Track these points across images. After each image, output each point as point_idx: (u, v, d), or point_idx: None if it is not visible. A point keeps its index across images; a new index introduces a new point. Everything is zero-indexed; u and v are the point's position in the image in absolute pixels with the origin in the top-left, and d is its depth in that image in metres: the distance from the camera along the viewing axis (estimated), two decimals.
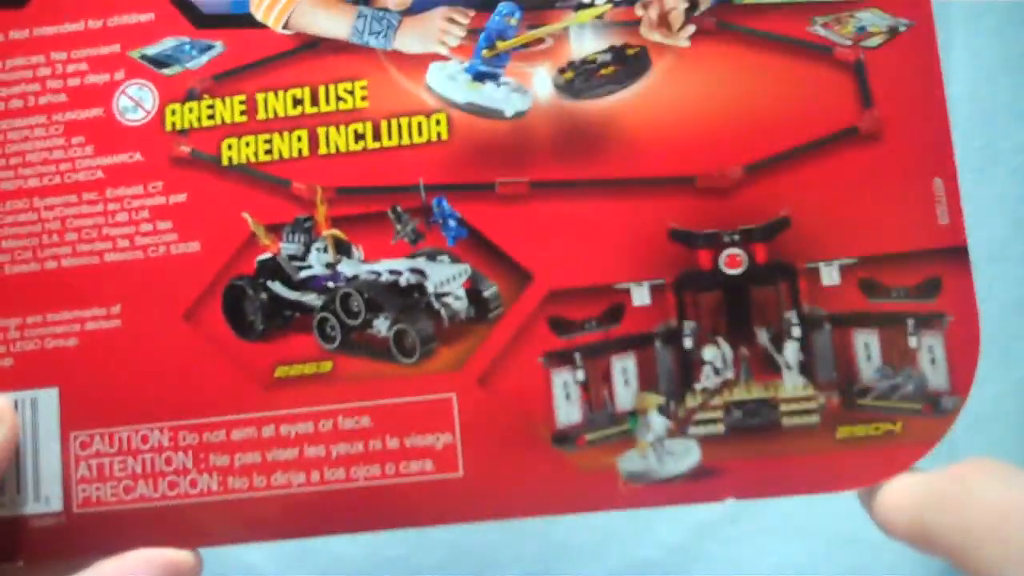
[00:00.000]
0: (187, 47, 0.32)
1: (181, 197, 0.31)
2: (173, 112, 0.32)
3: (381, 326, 0.30)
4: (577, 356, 0.29)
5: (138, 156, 0.32)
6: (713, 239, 0.29)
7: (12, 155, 0.33)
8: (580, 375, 0.29)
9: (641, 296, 0.29)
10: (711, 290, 0.29)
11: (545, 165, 0.30)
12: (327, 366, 0.30)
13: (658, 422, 0.28)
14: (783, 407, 0.28)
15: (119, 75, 0.32)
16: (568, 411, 0.29)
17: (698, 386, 0.28)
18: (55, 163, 0.32)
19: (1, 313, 0.32)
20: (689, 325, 0.28)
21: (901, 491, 0.27)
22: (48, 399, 0.31)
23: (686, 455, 0.28)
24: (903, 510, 0.27)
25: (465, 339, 0.30)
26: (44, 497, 0.30)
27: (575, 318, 0.29)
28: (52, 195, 0.32)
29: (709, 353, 0.28)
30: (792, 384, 0.28)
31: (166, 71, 0.32)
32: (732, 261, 0.28)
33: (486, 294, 0.29)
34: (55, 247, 0.32)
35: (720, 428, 0.28)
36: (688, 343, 0.28)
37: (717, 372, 0.28)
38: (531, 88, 0.31)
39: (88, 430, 0.31)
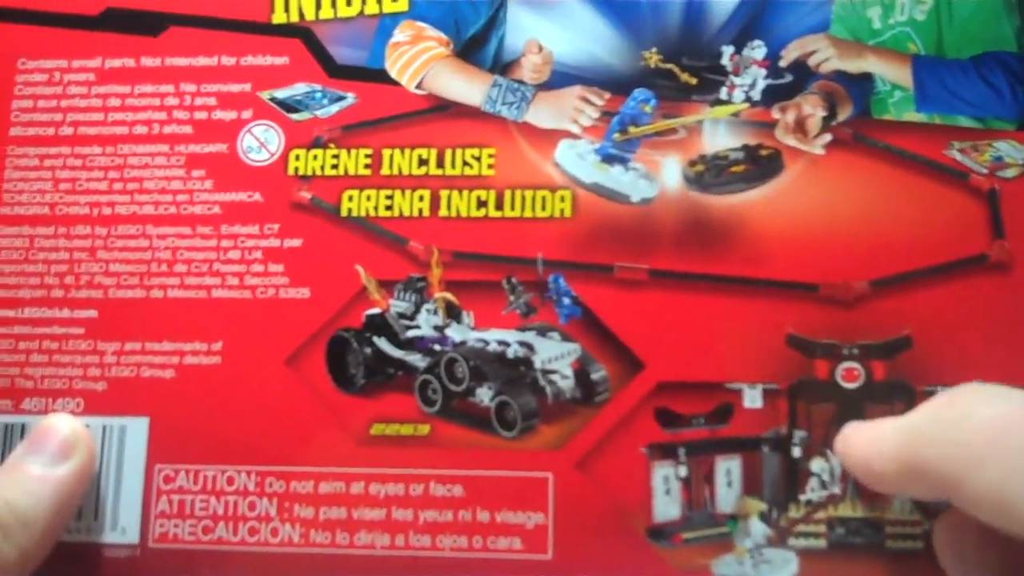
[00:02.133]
0: (318, 95, 0.36)
1: (296, 242, 0.34)
2: (297, 157, 0.35)
3: (484, 396, 0.33)
4: (681, 451, 0.31)
5: (257, 196, 0.35)
6: (832, 350, 0.31)
7: (130, 180, 0.36)
8: (682, 471, 0.31)
9: (753, 399, 0.31)
10: (825, 401, 0.31)
11: (666, 254, 0.33)
12: (424, 429, 0.33)
13: (758, 529, 0.30)
14: (888, 529, 0.30)
15: (247, 114, 0.36)
16: (666, 506, 0.31)
17: (803, 497, 0.31)
18: (172, 193, 0.36)
19: (100, 336, 0.35)
20: (799, 434, 0.31)
21: (886, 433, 0.27)
22: (137, 428, 0.34)
23: (784, 566, 0.30)
24: (890, 452, 0.27)
25: (568, 419, 0.33)
26: (121, 527, 0.33)
27: (683, 412, 0.32)
28: (166, 224, 0.35)
29: (817, 465, 0.30)
30: (899, 506, 0.30)
31: (295, 116, 0.36)
32: (849, 375, 0.31)
33: (594, 377, 0.32)
34: (163, 276, 0.35)
35: (821, 543, 0.30)
36: (796, 452, 0.31)
37: (824, 485, 0.30)
38: (659, 176, 0.34)
39: (174, 464, 0.33)
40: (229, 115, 0.38)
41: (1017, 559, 0.27)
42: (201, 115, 0.38)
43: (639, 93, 0.37)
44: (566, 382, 0.35)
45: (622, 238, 0.35)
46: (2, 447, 0.36)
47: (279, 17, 0.39)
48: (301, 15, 0.39)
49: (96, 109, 0.38)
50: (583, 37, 0.37)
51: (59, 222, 0.38)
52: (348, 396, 0.35)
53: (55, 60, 0.39)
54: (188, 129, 0.38)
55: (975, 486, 0.24)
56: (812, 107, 0.35)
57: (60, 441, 0.33)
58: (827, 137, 0.35)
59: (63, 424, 0.34)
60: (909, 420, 0.27)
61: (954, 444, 0.25)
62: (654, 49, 0.37)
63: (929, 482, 0.26)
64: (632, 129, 0.36)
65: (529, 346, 0.35)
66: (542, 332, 0.35)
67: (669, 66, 0.37)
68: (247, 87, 0.38)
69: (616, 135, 0.36)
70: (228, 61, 0.38)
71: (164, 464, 0.35)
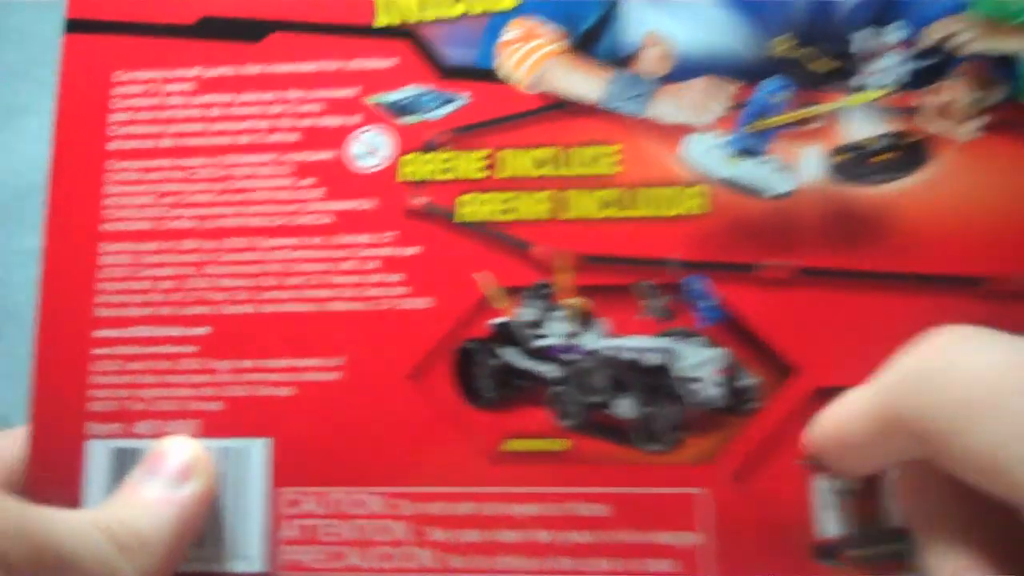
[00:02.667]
0: (428, 97, 0.34)
1: (414, 250, 0.32)
2: (410, 162, 0.32)
3: (624, 407, 0.30)
4: None
5: (370, 204, 0.33)
6: None
7: (235, 191, 0.35)
8: (846, 483, 0.28)
9: None
10: None
11: (812, 250, 0.30)
12: (562, 444, 0.30)
13: None
14: None
15: (355, 119, 0.34)
16: (830, 522, 0.28)
17: None
18: (281, 204, 0.33)
19: (214, 354, 0.33)
20: None
21: (860, 396, 0.26)
22: (258, 450, 0.31)
23: None
24: (867, 413, 0.25)
25: (716, 431, 0.30)
26: (245, 555, 0.31)
27: None
28: (276, 236, 0.33)
29: None
30: None
31: (405, 119, 0.33)
32: None
33: (742, 384, 0.30)
34: (276, 290, 0.33)
35: None
36: None
37: None
38: (798, 168, 0.31)
39: (298, 487, 0.31)
40: (337, 121, 0.36)
41: (991, 511, 0.24)
42: (307, 122, 0.36)
43: (770, 82, 0.34)
44: (712, 390, 0.32)
45: (762, 235, 0.33)
46: (115, 472, 0.34)
47: (382, 19, 0.36)
48: (406, 16, 0.36)
49: (197, 119, 0.36)
50: (705, 26, 0.35)
51: (164, 237, 0.36)
52: (478, 410, 0.33)
53: (152, 71, 0.37)
54: (295, 137, 0.36)
55: (964, 446, 0.22)
56: (957, 91, 0.33)
57: (180, 463, 0.32)
58: (976, 122, 0.33)
59: (182, 445, 0.32)
60: (885, 376, 0.25)
61: (939, 398, 0.22)
62: (783, 35, 0.34)
63: (909, 440, 0.23)
64: (765, 120, 0.34)
65: (669, 353, 0.32)
66: (682, 338, 0.33)
67: (800, 53, 0.34)
68: (355, 91, 0.36)
69: (748, 126, 0.34)
70: (333, 66, 0.36)
71: (288, 487, 0.33)
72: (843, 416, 0.26)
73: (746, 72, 0.34)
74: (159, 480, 0.31)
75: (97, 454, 0.34)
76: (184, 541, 0.31)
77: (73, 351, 0.35)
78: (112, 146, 0.37)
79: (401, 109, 0.36)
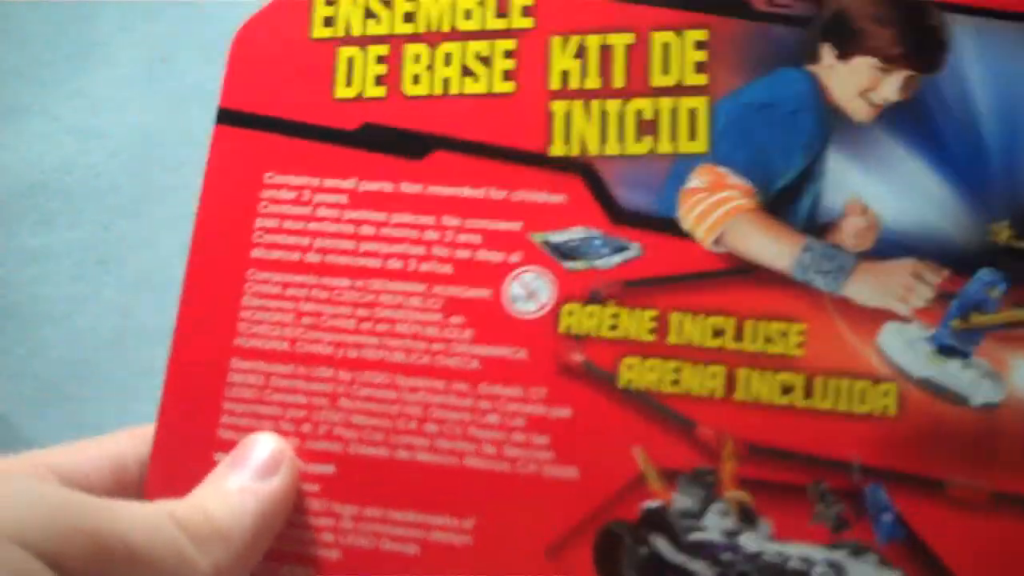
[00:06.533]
0: (598, 242, 0.40)
1: (565, 412, 0.38)
2: (571, 313, 0.39)
3: None
4: None
5: (523, 354, 0.39)
6: None
7: (380, 320, 0.41)
8: None
9: None
10: None
11: (1014, 474, 0.35)
12: None
13: None
14: None
15: (515, 257, 0.40)
16: None
17: None
18: (427, 340, 0.40)
19: (337, 497, 0.39)
20: None
21: None
22: None
23: None
24: None
25: None
26: None
27: None
28: (418, 376, 0.40)
29: None
30: None
31: (570, 264, 0.40)
32: None
33: None
34: (411, 435, 0.39)
35: None
36: None
37: None
38: (1007, 377, 0.36)
39: None
40: (495, 257, 0.43)
41: None
42: (463, 254, 0.43)
43: (985, 274, 0.39)
44: None
45: (957, 448, 0.37)
46: None
47: (557, 149, 0.43)
48: (583, 148, 0.43)
49: (347, 236, 0.44)
50: (917, 200, 0.40)
51: (299, 360, 0.43)
52: None
53: (306, 177, 0.45)
54: (448, 268, 0.43)
55: None
56: None
57: (265, 456, 0.40)
58: None
59: (267, 441, 0.41)
60: None
61: None
62: (1005, 222, 0.39)
63: None
64: (975, 317, 0.39)
65: (839, 568, 0.37)
66: (856, 553, 0.37)
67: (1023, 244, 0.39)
68: (517, 226, 0.43)
69: (955, 322, 0.39)
70: (497, 195, 0.43)
71: None
72: None
73: (958, 258, 0.39)
74: (244, 472, 0.39)
75: None
76: (263, 537, 0.38)
77: (192, 476, 0.42)
78: (255, 253, 0.44)
79: (567, 252, 0.42)
